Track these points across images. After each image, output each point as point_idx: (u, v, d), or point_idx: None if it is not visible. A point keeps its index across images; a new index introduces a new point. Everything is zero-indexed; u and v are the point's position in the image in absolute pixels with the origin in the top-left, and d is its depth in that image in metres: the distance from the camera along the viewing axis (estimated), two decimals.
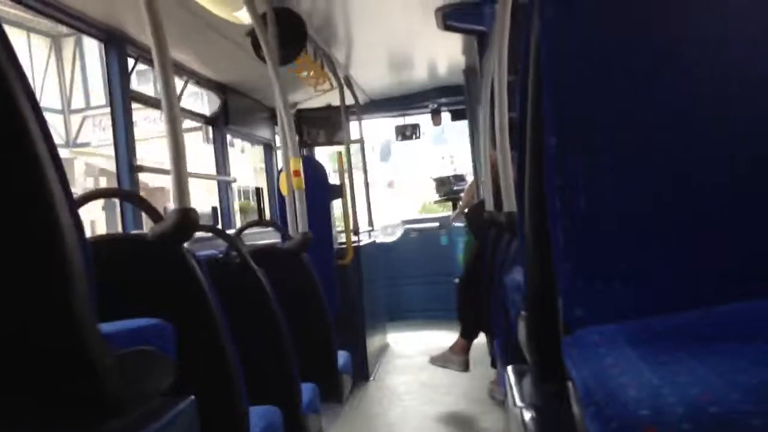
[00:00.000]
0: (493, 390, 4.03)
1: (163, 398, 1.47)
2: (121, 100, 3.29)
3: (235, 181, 4.67)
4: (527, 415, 1.40)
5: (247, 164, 16.14)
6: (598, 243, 1.02)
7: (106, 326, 1.27)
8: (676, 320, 0.92)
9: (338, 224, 4.84)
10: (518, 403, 1.47)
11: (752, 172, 1.01)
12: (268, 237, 4.10)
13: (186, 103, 4.33)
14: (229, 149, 5.09)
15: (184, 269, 1.73)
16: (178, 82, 4.02)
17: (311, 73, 4.48)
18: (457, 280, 4.48)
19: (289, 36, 3.57)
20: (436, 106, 6.50)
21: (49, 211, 0.94)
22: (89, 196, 1.84)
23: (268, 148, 5.53)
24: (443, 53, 5.37)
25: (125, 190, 3.07)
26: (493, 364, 3.93)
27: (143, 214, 1.99)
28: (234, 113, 4.61)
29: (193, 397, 1.54)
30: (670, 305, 0.97)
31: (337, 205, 4.76)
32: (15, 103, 0.89)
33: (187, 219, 1.70)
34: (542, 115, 1.06)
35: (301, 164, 3.21)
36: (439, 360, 4.30)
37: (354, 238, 4.85)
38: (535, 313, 1.25)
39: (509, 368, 1.72)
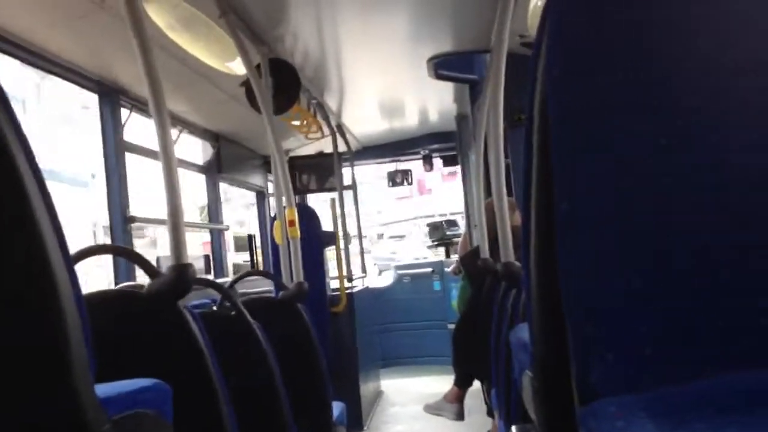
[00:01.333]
0: (428, 407, 4.02)
1: None
2: (114, 150, 3.29)
3: (227, 229, 4.65)
4: None
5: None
6: (612, 310, 1.00)
7: (101, 387, 1.24)
8: (695, 389, 0.90)
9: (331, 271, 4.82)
10: None
11: None
12: (259, 285, 4.07)
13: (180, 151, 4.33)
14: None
15: (181, 326, 1.71)
16: (172, 132, 4.03)
17: (304, 121, 4.51)
18: (452, 326, 4.45)
19: (283, 86, 3.59)
20: (427, 152, 6.54)
21: (45, 268, 0.92)
22: (84, 253, 1.82)
23: (261, 196, 5.53)
24: (435, 101, 5.42)
25: (120, 247, 3.05)
26: (490, 413, 3.89)
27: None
28: (227, 161, 4.62)
29: None
30: (693, 374, 0.95)
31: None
32: (12, 160, 0.88)
33: (184, 275, 1.69)
34: (551, 176, 1.04)
35: (296, 214, 3.20)
36: (433, 408, 4.25)
37: (347, 284, 4.83)
38: (543, 376, 1.22)
39: (514, 428, 1.69)
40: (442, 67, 4.38)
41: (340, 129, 5.41)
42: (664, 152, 0.99)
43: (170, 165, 1.76)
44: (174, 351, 1.71)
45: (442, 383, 5.54)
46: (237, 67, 3.55)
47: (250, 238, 5.18)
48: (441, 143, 6.37)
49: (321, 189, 5.86)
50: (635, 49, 1.02)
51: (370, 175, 10.52)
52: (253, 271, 4.06)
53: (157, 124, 1.77)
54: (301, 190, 5.92)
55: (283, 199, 3.24)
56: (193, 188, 4.98)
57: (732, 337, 0.99)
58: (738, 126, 0.99)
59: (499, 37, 2.54)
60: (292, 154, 5.89)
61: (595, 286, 0.97)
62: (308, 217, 4.36)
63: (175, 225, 1.71)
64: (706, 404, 0.87)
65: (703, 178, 0.99)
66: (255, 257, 5.13)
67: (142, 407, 1.36)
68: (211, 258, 4.52)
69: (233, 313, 2.36)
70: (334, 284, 4.71)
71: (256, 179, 5.35)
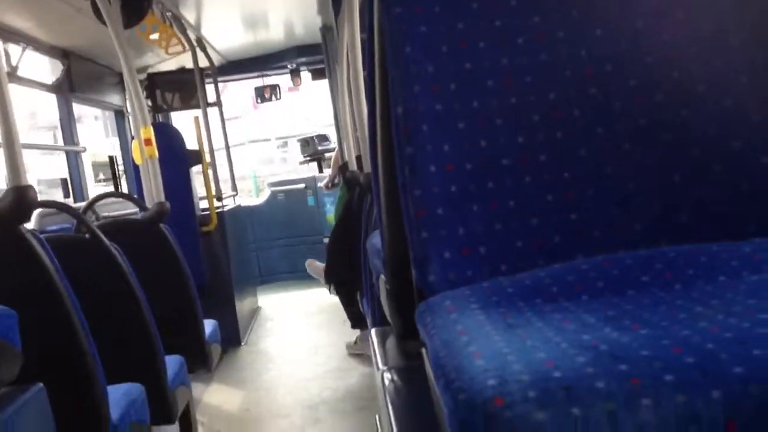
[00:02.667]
0: (351, 347, 4.13)
1: (9, 388, 1.39)
2: None
3: (84, 150, 4.42)
4: (388, 378, 1.42)
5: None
6: (449, 210, 1.02)
7: None
8: (528, 279, 0.95)
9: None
10: (380, 366, 1.50)
11: (596, 132, 1.05)
12: (127, 209, 3.94)
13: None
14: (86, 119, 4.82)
15: (25, 251, 1.63)
16: (15, 49, 3.75)
17: (162, 35, 4.29)
18: (327, 240, 4.49)
19: None
20: (295, 66, 6.41)
21: None
22: None
23: (120, 115, 5.28)
24: (299, 12, 5.28)
25: None
26: (354, 326, 4.01)
27: None
28: (79, 80, 4.36)
29: (41, 384, 1.47)
30: (523, 267, 1.00)
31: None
32: None
33: (23, 198, 1.61)
34: (389, 85, 1.05)
35: (152, 132, 3.08)
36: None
37: (217, 203, 4.75)
38: (393, 279, 1.26)
39: (373, 330, 1.74)
40: None
41: (201, 43, 5.19)
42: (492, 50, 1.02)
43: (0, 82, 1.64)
44: (18, 277, 1.63)
45: (319, 296, 5.64)
46: None
47: (111, 159, 4.97)
48: (308, 56, 6.24)
49: (185, 107, 5.66)
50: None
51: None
52: (110, 192, 3.91)
53: None
54: (163, 109, 5.69)
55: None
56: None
57: (564, 227, 1.05)
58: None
59: None
60: (152, 70, 5.62)
61: (426, 191, 1.00)
62: (169, 135, 4.22)
63: (10, 144, 1.61)
64: (535, 294, 0.92)
65: (523, 78, 1.03)
66: (118, 180, 4.93)
67: None
68: (69, 181, 4.30)
69: (87, 235, 2.27)
70: (205, 204, 4.63)
71: (114, 98, 5.08)
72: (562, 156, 1.04)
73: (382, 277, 1.44)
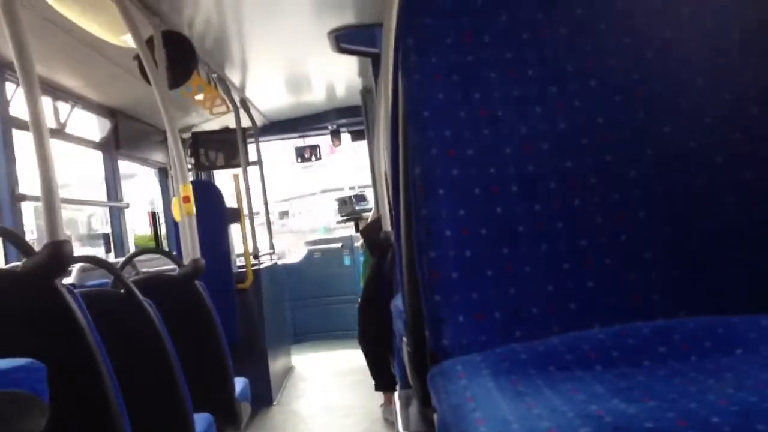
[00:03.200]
0: (385, 411, 4.07)
1: None
2: (0, 126, 3.16)
3: (128, 206, 4.54)
4: None
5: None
6: (464, 274, 1.03)
7: None
8: (541, 347, 0.95)
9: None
10: (401, 429, 1.49)
11: (613, 202, 1.06)
12: (166, 264, 4.01)
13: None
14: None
15: (59, 305, 1.67)
16: (64, 107, 3.90)
17: (207, 96, 4.43)
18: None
19: (179, 59, 3.51)
20: (335, 127, 6.53)
21: None
22: None
23: (163, 173, 5.41)
24: (340, 75, 5.40)
25: None
26: (378, 387, 3.97)
27: None
28: (125, 137, 4.50)
29: None
30: (538, 334, 0.99)
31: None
32: None
33: (60, 252, 1.65)
34: (409, 147, 1.08)
35: (191, 189, 3.15)
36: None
37: (254, 261, 4.80)
38: (412, 341, 1.26)
39: (397, 393, 1.74)
40: (344, 40, 4.36)
41: (244, 104, 5.33)
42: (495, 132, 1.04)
43: (42, 135, 1.70)
44: (50, 331, 1.67)
45: (353, 356, 5.60)
46: (131, 40, 3.46)
47: (154, 215, 5.08)
48: (348, 118, 6.36)
49: (227, 165, 5.78)
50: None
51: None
52: (147, 249, 3.98)
53: (25, 91, 1.71)
54: (206, 167, 5.82)
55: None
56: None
57: (581, 297, 1.05)
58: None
59: (390, 12, 2.55)
60: (197, 129, 5.78)
61: (441, 254, 1.01)
62: (210, 193, 4.30)
63: (49, 200, 1.67)
64: (548, 361, 0.92)
65: (541, 146, 1.04)
66: (158, 235, 5.03)
67: (13, 387, 1.33)
68: (111, 236, 4.40)
69: (122, 291, 2.32)
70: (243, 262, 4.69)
71: (158, 156, 5.23)
72: (578, 223, 1.04)
73: (404, 339, 1.45)
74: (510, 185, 1.04)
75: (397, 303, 1.75)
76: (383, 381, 3.95)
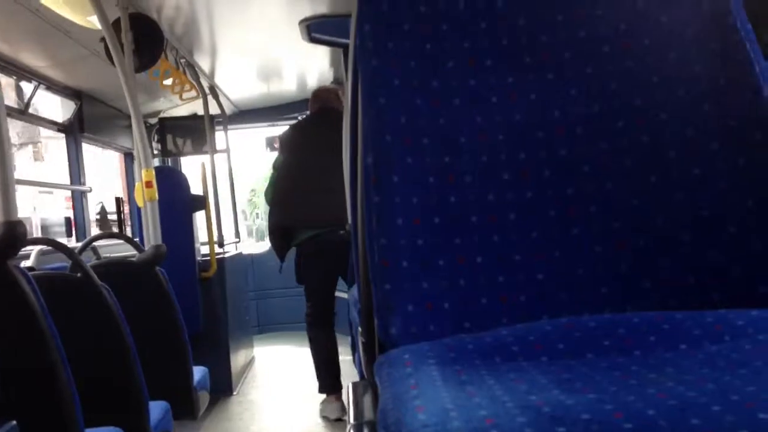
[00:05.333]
0: (324, 410, 4.02)
1: None
2: None
3: (90, 191, 4.47)
4: None
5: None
6: (414, 263, 1.03)
7: None
8: (489, 338, 0.95)
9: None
10: (351, 420, 1.48)
11: (561, 184, 1.06)
12: (128, 251, 3.96)
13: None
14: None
15: (10, 287, 1.64)
16: (27, 87, 3.83)
17: (174, 81, 4.37)
18: None
19: (146, 42, 3.46)
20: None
21: None
22: None
23: (129, 158, 5.34)
24: (312, 65, 5.37)
25: None
26: (321, 390, 3.97)
27: None
28: (90, 120, 4.43)
29: (14, 422, 1.46)
30: (487, 325, 1.00)
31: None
32: None
33: (12, 233, 1.62)
34: (363, 134, 1.07)
35: (153, 175, 3.11)
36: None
37: (219, 249, 4.76)
38: (365, 330, 1.26)
39: (350, 384, 1.74)
40: (316, 29, 4.32)
41: (213, 91, 5.28)
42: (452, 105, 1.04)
43: None
44: (1, 313, 1.64)
45: None
46: (98, 21, 3.40)
47: (118, 201, 5.01)
48: None
49: (195, 152, 5.73)
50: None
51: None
52: (107, 233, 3.93)
53: None
54: (173, 153, 5.76)
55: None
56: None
57: (531, 287, 1.05)
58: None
59: (355, 1, 2.54)
60: (165, 114, 5.71)
61: (392, 242, 1.01)
62: (174, 179, 4.26)
63: (4, 178, 1.63)
64: (494, 352, 0.92)
65: (496, 137, 1.04)
66: (122, 221, 4.97)
67: None
68: (72, 221, 4.34)
69: (79, 275, 2.28)
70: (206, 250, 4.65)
71: (124, 140, 5.16)
72: (531, 216, 1.04)
73: (359, 329, 1.44)
74: (464, 175, 1.04)
75: (354, 293, 1.74)
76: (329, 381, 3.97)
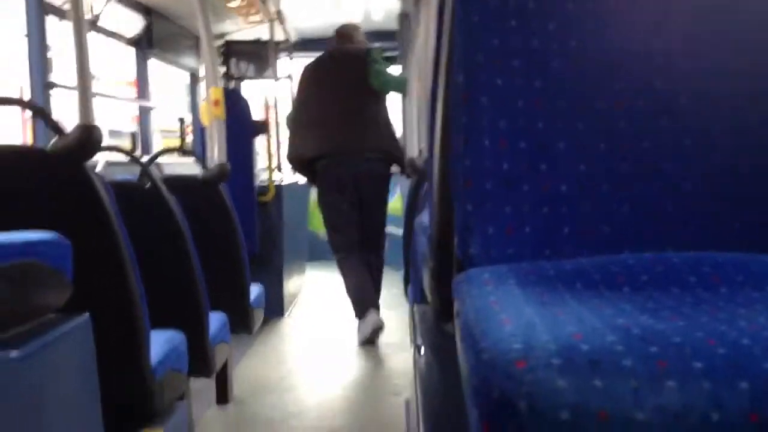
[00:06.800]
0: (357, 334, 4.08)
1: (55, 315, 1.44)
2: (35, 12, 3.14)
3: (154, 108, 4.53)
4: (421, 355, 1.42)
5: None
6: (498, 186, 1.02)
7: None
8: (570, 266, 0.94)
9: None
10: (417, 342, 1.50)
11: (656, 127, 1.03)
12: (193, 169, 4.02)
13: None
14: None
15: (86, 187, 1.68)
16: (99, 1, 3.86)
17: (241, 3, 4.36)
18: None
19: None
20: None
21: None
22: None
23: (193, 78, 5.38)
24: None
25: (27, 101, 2.92)
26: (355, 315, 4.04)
27: None
28: (158, 37, 4.46)
29: (87, 314, 1.51)
30: (567, 254, 0.99)
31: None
32: None
33: (90, 136, 1.66)
34: (453, 56, 1.05)
35: (222, 94, 3.14)
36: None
37: (277, 175, 4.81)
38: (436, 253, 1.26)
39: (414, 308, 1.75)
40: None
41: (279, 16, 5.25)
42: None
43: (80, 25, 1.69)
44: (77, 211, 1.69)
45: None
46: None
47: (181, 121, 5.07)
48: (382, 41, 6.24)
49: (257, 77, 5.73)
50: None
51: None
52: (173, 148, 3.99)
53: None
54: (236, 77, 5.78)
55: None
56: None
57: (615, 220, 1.04)
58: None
59: None
60: (229, 37, 5.71)
61: (477, 163, 1.00)
62: (238, 103, 4.28)
63: (83, 86, 1.67)
64: (579, 279, 0.91)
65: (590, 65, 1.02)
66: (184, 141, 5.04)
67: (38, 258, 1.35)
68: (139, 135, 4.42)
69: (148, 185, 2.33)
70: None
71: (189, 60, 5.18)
72: (622, 147, 1.02)
73: (426, 254, 1.45)
74: (555, 100, 1.02)
75: (422, 219, 1.74)
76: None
